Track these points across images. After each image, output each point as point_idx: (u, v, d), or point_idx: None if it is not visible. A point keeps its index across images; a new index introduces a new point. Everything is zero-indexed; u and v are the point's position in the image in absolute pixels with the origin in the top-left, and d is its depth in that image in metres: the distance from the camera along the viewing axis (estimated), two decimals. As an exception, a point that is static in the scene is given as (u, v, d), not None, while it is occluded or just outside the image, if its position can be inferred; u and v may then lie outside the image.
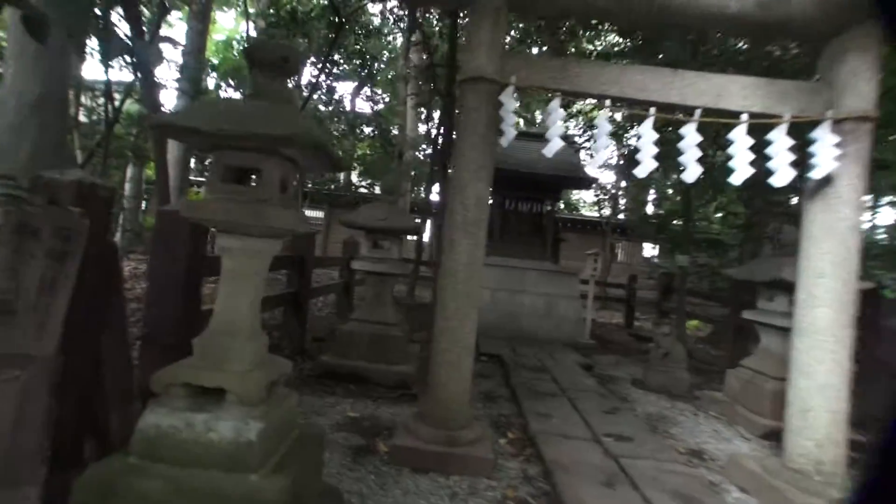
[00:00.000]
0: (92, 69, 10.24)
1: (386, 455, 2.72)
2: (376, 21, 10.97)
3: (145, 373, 2.64)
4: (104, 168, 6.02)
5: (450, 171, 4.08)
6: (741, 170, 2.64)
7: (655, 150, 2.73)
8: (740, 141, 2.65)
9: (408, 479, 2.51)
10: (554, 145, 2.82)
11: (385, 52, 15.14)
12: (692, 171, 2.73)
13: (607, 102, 2.89)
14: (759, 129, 2.72)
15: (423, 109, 12.32)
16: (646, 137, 2.72)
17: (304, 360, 4.43)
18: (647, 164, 2.74)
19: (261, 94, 1.82)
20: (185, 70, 8.25)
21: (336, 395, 3.68)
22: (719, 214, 10.37)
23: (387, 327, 4.21)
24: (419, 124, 14.21)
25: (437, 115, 9.20)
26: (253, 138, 1.65)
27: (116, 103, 5.64)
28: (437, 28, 9.03)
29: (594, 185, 9.46)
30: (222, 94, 12.13)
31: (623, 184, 15.76)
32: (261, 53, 1.83)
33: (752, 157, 2.64)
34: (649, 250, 18.45)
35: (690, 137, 2.69)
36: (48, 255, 1.38)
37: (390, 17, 10.33)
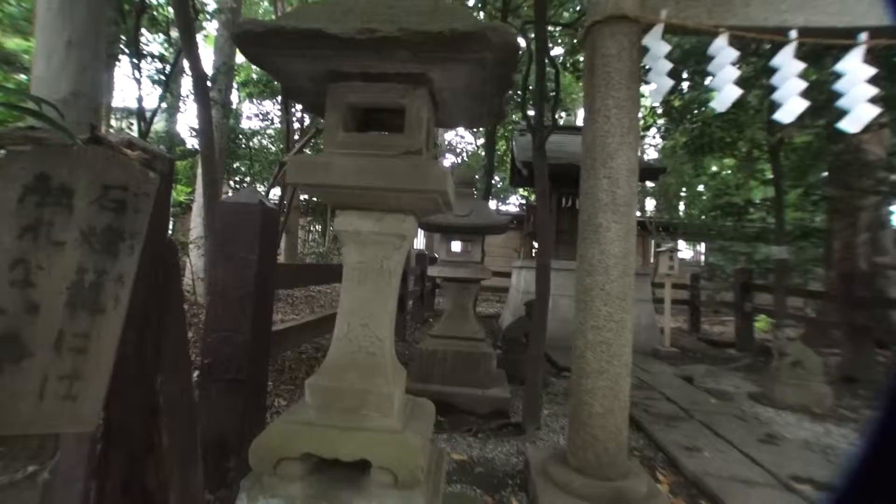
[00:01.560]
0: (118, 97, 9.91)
1: (529, 518, 2.02)
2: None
3: (209, 420, 2.00)
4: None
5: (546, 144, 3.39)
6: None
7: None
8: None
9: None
10: (728, 95, 2.12)
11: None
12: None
13: (793, 34, 2.17)
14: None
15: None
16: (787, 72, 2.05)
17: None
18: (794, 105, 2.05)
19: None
20: (216, 79, 7.79)
21: (425, 430, 2.99)
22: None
23: (473, 343, 3.52)
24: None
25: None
26: (416, 39, 0.99)
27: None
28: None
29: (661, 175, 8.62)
30: (249, 105, 11.74)
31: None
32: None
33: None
34: (685, 249, 17.47)
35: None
36: (87, 238, 0.73)
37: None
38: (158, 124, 8.51)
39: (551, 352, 4.88)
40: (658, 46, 2.17)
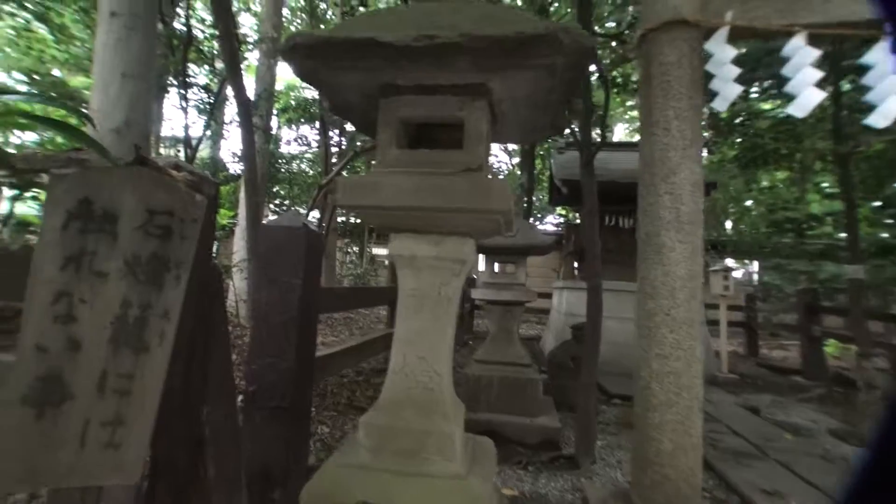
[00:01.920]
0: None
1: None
2: None
3: (253, 448, 1.93)
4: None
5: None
6: None
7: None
8: None
9: None
10: (809, 99, 1.94)
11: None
12: None
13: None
14: None
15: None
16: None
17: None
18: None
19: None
20: (258, 105, 8.07)
21: (472, 462, 2.83)
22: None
23: (519, 369, 3.36)
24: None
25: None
26: (479, 45, 0.90)
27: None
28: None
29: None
30: (287, 131, 12.10)
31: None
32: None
33: None
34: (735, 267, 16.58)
35: None
36: (131, 268, 0.66)
37: None
38: (203, 151, 8.87)
39: (601, 378, 4.63)
40: (723, 51, 2.03)
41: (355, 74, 1.08)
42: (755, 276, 14.20)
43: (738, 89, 2.04)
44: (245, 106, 3.25)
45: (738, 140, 7.27)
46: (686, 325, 1.92)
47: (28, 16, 8.57)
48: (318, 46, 1.00)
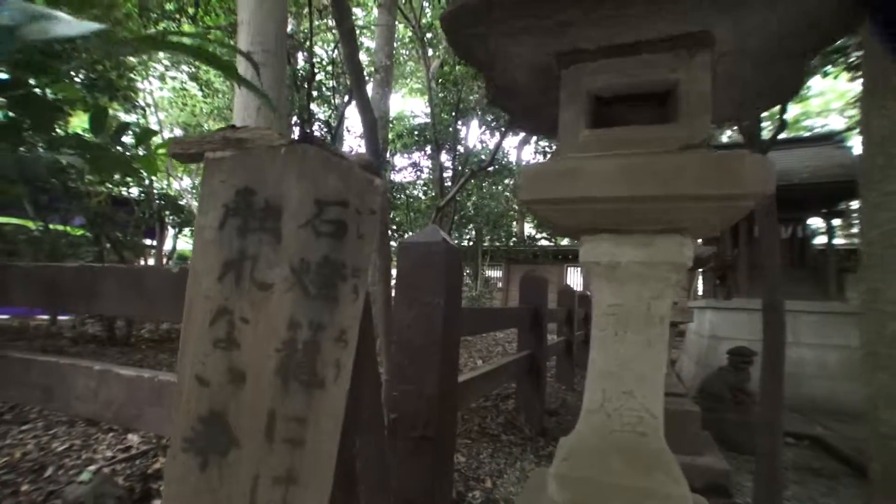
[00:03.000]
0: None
1: None
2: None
3: (397, 482, 1.78)
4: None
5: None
6: None
7: None
8: None
9: None
10: None
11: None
12: None
13: None
14: None
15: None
16: None
17: (548, 444, 3.29)
18: None
19: None
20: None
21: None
22: None
23: (675, 399, 2.88)
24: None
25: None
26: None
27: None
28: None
29: None
30: (399, 158, 12.64)
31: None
32: None
33: None
34: None
35: None
36: (299, 277, 0.50)
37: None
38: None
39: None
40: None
41: (529, 41, 0.88)
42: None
43: None
44: (371, 123, 3.29)
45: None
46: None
47: (184, 77, 9.99)
48: (488, 6, 0.81)
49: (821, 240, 7.14)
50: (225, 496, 0.49)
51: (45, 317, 6.35)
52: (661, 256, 0.84)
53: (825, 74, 5.61)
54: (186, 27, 6.49)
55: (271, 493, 0.50)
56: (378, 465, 1.35)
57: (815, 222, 6.77)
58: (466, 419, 3.35)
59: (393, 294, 2.27)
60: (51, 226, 4.90)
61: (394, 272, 2.50)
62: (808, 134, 12.82)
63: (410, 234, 11.03)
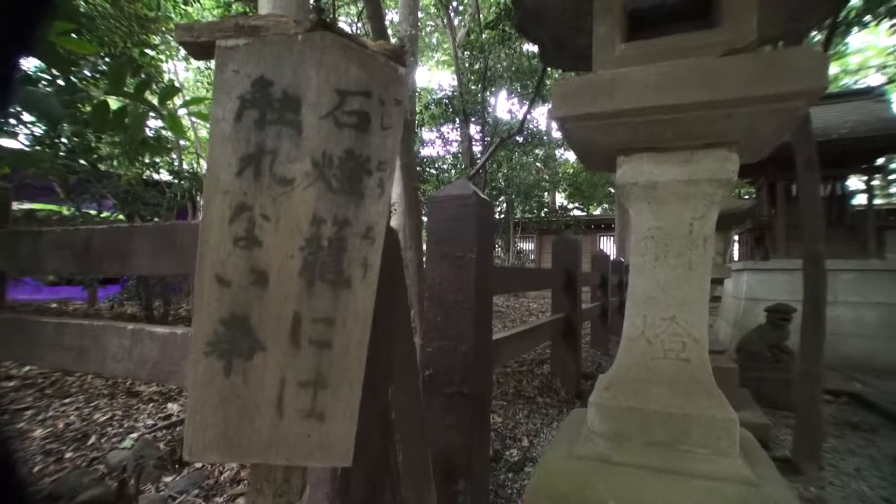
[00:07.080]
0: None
1: None
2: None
3: (433, 437, 1.78)
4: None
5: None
6: None
7: None
8: None
9: None
10: None
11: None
12: None
13: None
14: None
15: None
16: None
17: (583, 406, 3.27)
18: None
19: None
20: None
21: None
22: None
23: (714, 356, 2.79)
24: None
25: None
26: None
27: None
28: None
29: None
30: (426, 132, 12.52)
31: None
32: None
33: None
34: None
35: None
36: (321, 171, 0.46)
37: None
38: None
39: (810, 372, 3.79)
40: None
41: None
42: None
43: None
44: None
45: None
46: None
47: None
48: None
49: (859, 200, 6.82)
50: (252, 400, 0.47)
51: (81, 301, 6.61)
52: (703, 173, 0.77)
53: (864, 25, 5.22)
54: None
55: (299, 397, 0.47)
56: (414, 416, 1.35)
57: (854, 183, 6.46)
58: (502, 382, 3.36)
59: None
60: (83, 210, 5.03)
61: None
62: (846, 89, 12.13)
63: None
